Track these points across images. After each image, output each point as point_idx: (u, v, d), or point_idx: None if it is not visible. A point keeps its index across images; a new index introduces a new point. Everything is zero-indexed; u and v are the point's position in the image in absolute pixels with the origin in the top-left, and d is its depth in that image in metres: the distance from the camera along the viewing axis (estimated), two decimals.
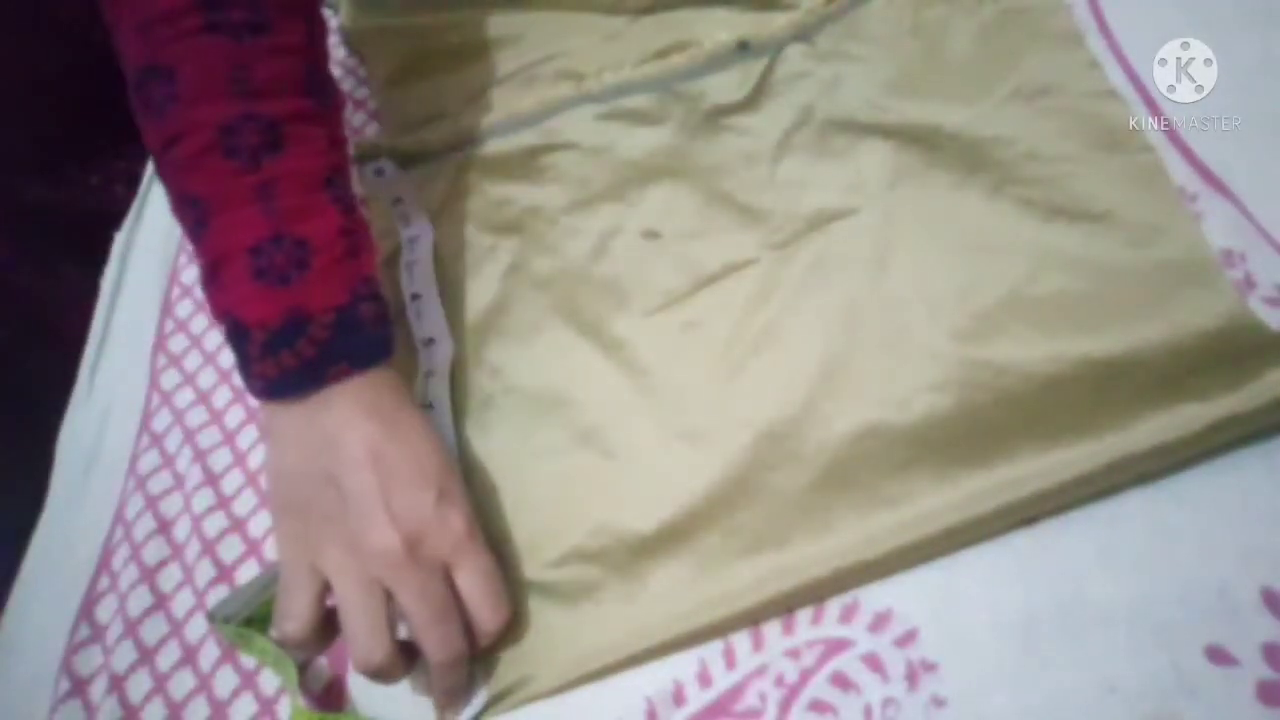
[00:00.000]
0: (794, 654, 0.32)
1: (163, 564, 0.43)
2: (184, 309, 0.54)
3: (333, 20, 0.66)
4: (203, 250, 0.35)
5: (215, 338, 0.52)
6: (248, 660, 0.39)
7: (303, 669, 0.37)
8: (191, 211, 0.35)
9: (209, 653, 0.39)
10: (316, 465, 0.34)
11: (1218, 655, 0.28)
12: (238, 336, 0.35)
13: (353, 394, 0.35)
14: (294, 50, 0.37)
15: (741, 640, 0.33)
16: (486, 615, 0.34)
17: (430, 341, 0.44)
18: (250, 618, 0.38)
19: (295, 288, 0.34)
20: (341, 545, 0.33)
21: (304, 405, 0.35)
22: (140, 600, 0.42)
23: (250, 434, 0.46)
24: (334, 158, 0.38)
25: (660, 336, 0.41)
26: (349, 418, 0.34)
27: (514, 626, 0.36)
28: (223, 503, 0.44)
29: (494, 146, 0.53)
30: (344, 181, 0.38)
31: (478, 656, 0.35)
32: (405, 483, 0.34)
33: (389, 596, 0.33)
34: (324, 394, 0.35)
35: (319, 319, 0.34)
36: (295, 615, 0.34)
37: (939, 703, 0.29)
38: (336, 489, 0.34)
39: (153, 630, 0.41)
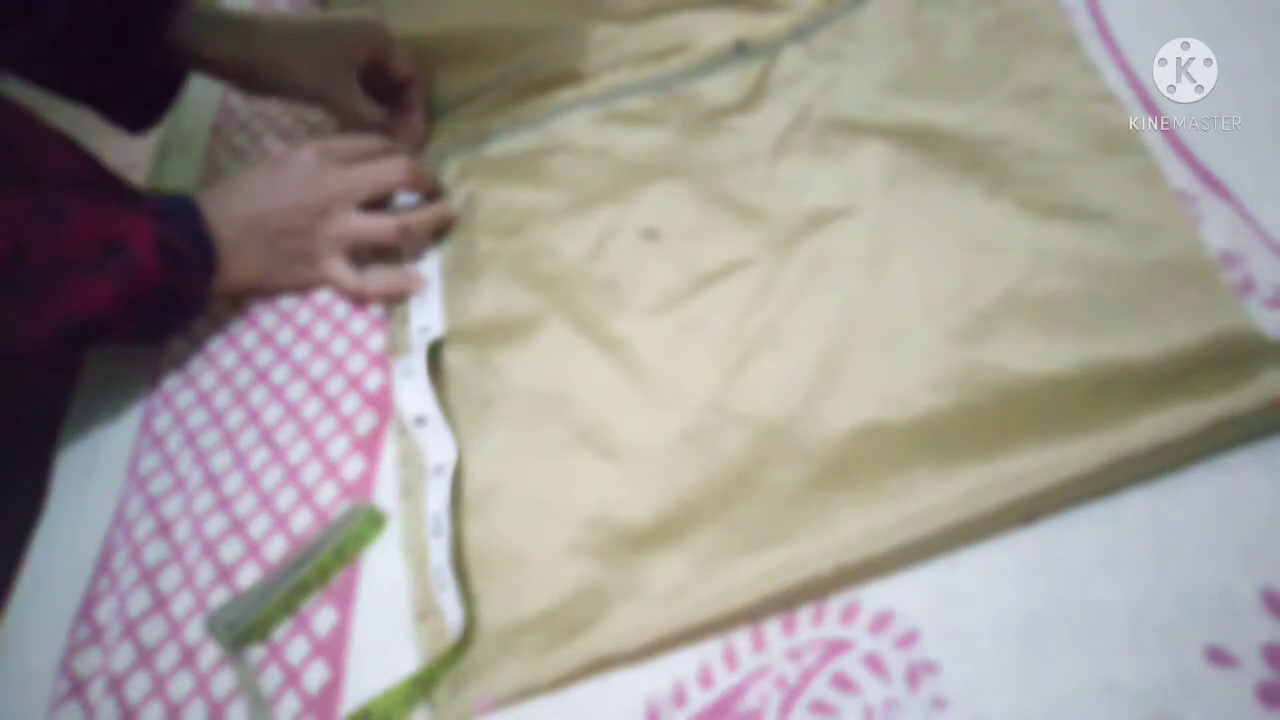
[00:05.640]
0: (795, 655, 0.32)
1: (163, 565, 0.43)
2: None
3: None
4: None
5: (217, 341, 0.52)
6: (237, 671, 0.39)
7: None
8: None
9: (208, 654, 0.39)
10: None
11: (1218, 656, 0.28)
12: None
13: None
14: None
15: (742, 640, 0.33)
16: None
17: (425, 329, 0.46)
18: (249, 628, 0.39)
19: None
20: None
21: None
22: (140, 601, 0.42)
23: (251, 435, 0.46)
24: None
25: (659, 336, 0.41)
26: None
27: (513, 625, 0.36)
28: (224, 504, 0.44)
29: (494, 149, 0.53)
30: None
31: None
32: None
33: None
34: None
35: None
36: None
37: (940, 703, 0.29)
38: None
39: (152, 631, 0.41)
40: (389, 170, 0.51)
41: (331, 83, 0.55)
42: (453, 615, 0.35)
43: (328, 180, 0.49)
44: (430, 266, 0.49)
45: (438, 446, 0.41)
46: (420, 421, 0.42)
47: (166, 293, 0.47)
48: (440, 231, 0.51)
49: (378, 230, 0.49)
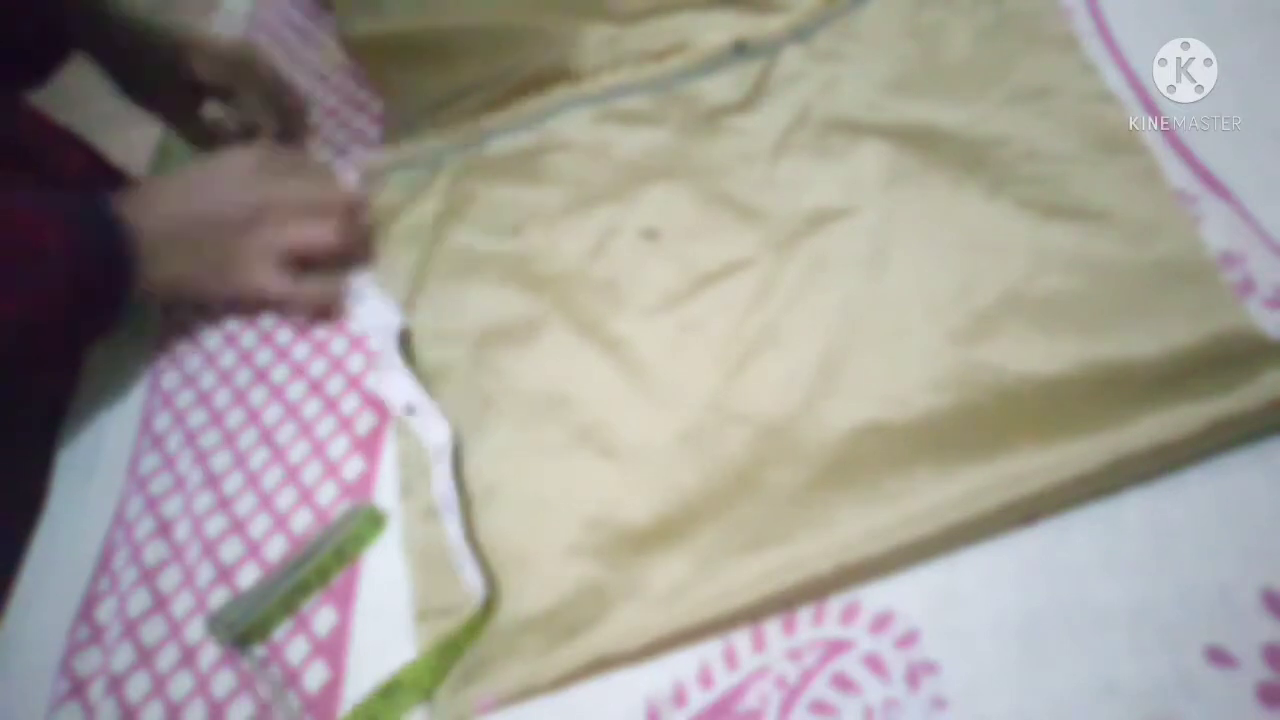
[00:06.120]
0: (795, 655, 0.32)
1: (163, 565, 0.43)
2: (184, 310, 0.54)
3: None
4: None
5: (216, 339, 0.52)
6: (245, 662, 0.39)
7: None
8: None
9: (208, 654, 0.39)
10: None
11: (1218, 656, 0.28)
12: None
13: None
14: None
15: (742, 640, 0.33)
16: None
17: (384, 329, 0.46)
18: (249, 628, 0.39)
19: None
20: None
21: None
22: (140, 601, 0.42)
23: (251, 435, 0.46)
24: None
25: (659, 336, 0.41)
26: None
27: (514, 625, 0.36)
28: (224, 504, 0.44)
29: (493, 149, 0.53)
30: None
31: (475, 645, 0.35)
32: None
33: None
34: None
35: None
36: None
37: (940, 704, 0.29)
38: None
39: (152, 631, 0.41)
40: (328, 194, 0.49)
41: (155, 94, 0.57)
42: (474, 584, 0.36)
43: (261, 187, 0.48)
44: (362, 278, 0.49)
45: (433, 429, 0.41)
46: (410, 410, 0.42)
47: (80, 301, 0.46)
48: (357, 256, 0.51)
49: (314, 237, 0.48)
